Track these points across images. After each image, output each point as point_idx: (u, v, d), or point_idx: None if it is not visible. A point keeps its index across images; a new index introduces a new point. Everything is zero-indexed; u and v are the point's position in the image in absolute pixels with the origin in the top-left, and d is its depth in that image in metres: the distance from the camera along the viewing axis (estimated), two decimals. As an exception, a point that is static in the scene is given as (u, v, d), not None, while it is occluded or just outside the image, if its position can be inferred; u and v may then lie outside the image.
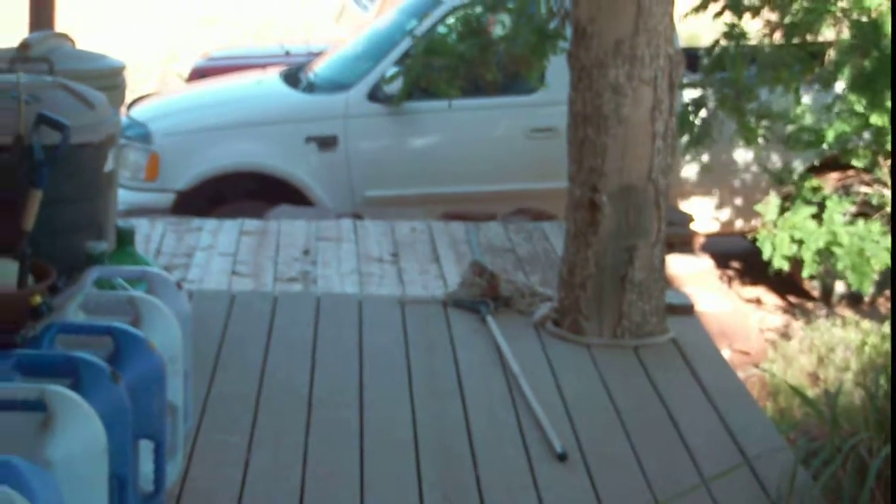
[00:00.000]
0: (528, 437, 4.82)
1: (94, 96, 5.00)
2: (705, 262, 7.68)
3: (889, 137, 7.33)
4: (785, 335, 8.55)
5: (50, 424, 3.25)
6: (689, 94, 7.88)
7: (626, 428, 4.93)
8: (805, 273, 7.22)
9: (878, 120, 7.05)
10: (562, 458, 4.64)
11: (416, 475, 4.51)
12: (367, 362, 5.48)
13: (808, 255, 7.23)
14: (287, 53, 11.80)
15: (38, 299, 4.12)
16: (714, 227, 9.53)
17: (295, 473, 4.47)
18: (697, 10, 7.43)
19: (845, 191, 8.53)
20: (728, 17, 7.43)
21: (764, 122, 7.86)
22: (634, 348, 5.71)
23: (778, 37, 7.62)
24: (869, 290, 8.04)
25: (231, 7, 18.82)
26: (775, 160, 9.09)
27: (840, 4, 7.23)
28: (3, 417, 3.28)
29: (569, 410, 5.06)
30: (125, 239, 4.84)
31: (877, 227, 7.31)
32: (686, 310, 6.20)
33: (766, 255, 7.48)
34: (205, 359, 5.25)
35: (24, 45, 5.49)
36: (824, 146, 7.59)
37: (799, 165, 8.85)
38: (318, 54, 10.51)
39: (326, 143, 8.97)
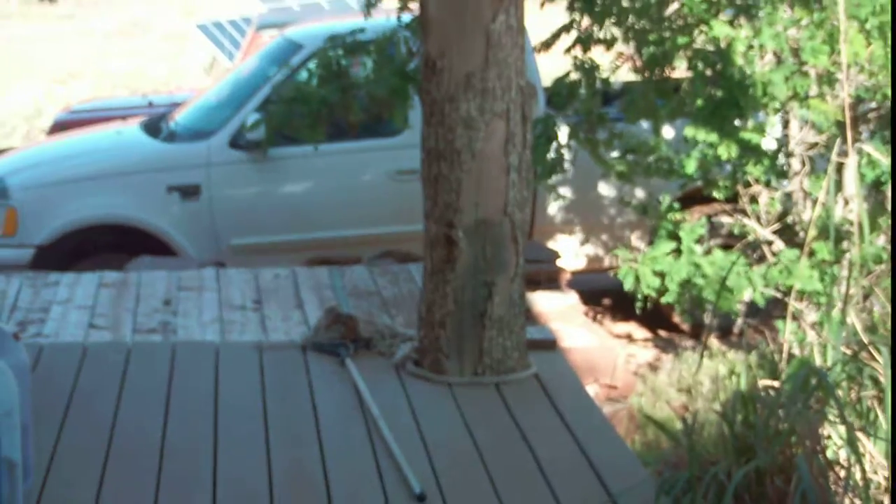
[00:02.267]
0: (386, 479, 4.70)
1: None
2: (571, 298, 7.64)
3: (747, 168, 7.34)
4: (655, 368, 8.54)
5: None
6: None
7: (487, 466, 4.83)
8: (668, 298, 7.21)
9: (725, 152, 7.07)
10: (420, 498, 4.54)
11: (270, 524, 4.38)
12: (223, 410, 5.33)
13: (671, 285, 7.21)
14: (150, 104, 11.67)
15: None
16: (581, 264, 9.53)
17: (142, 528, 4.32)
18: (548, 44, 7.41)
19: (710, 223, 8.56)
20: (578, 50, 7.42)
21: (628, 156, 7.85)
22: (496, 385, 5.62)
23: (635, 71, 7.61)
24: (738, 311, 8.04)
25: (98, 61, 18.60)
26: (640, 195, 9.10)
27: (695, 36, 7.23)
28: None
29: (429, 451, 4.95)
30: (-39, 292, 4.68)
31: (737, 256, 7.31)
32: (548, 345, 6.13)
33: (627, 287, 7.45)
34: (53, 412, 5.08)
35: None
36: (686, 177, 7.58)
37: (666, 199, 8.86)
38: (181, 104, 10.38)
39: (189, 192, 8.83)
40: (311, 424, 5.21)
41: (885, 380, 4.37)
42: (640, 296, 7.41)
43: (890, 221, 6.84)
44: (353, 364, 5.80)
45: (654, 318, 9.19)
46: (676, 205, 8.07)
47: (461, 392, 5.56)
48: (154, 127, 9.48)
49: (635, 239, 9.42)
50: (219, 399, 5.46)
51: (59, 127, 11.42)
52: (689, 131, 7.24)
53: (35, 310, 7.18)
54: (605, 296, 9.96)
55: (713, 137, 7.06)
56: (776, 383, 4.59)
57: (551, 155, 7.31)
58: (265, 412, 5.33)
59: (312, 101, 7.86)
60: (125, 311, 7.15)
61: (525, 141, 5.60)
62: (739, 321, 9.02)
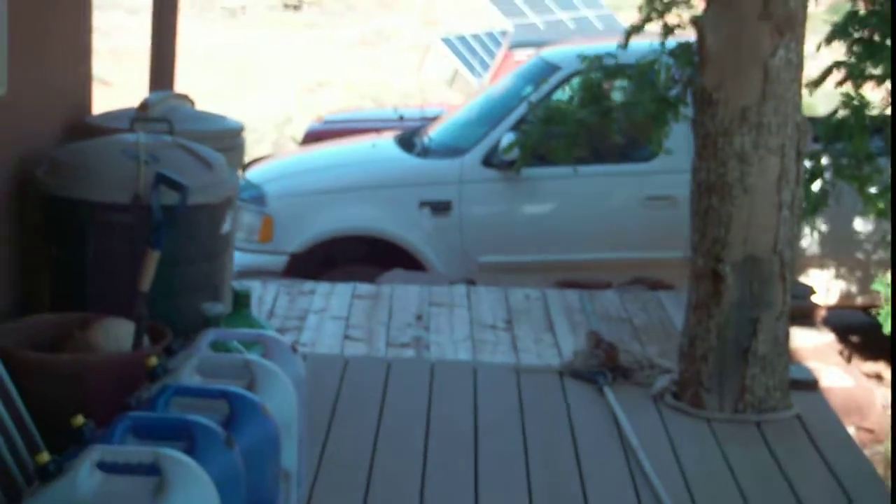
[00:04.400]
0: (647, 511, 4.67)
1: (212, 157, 4.98)
2: (827, 337, 7.48)
3: None
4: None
5: (164, 489, 3.18)
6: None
7: (750, 507, 4.76)
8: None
9: None
10: (683, 536, 4.50)
11: (532, 550, 4.38)
12: (482, 430, 5.36)
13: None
14: (401, 118, 11.81)
15: (153, 361, 4.05)
16: (833, 300, 9.32)
17: (409, 545, 4.37)
18: (818, 83, 7.26)
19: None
20: (848, 86, 7.26)
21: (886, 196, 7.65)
22: (757, 424, 5.54)
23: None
24: None
25: (344, 71, 18.93)
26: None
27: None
28: (116, 480, 3.23)
29: (689, 487, 4.90)
30: (241, 301, 4.79)
31: None
32: (810, 385, 6.02)
33: (886, 331, 7.25)
34: (318, 423, 5.16)
35: (144, 105, 5.50)
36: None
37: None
38: (432, 119, 10.48)
39: (440, 207, 8.91)
40: (570, 450, 5.21)
41: None
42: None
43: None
44: (612, 392, 5.78)
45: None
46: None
47: (721, 428, 5.49)
48: (408, 142, 9.59)
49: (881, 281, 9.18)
50: (478, 419, 5.49)
51: (312, 137, 11.65)
52: None
53: (291, 318, 7.33)
54: (853, 333, 9.73)
55: None
56: None
57: (816, 191, 7.17)
58: (524, 435, 5.34)
59: (569, 122, 7.86)
60: (379, 325, 7.25)
61: (798, 178, 5.52)
62: None
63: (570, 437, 5.34)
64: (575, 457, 5.13)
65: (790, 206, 5.50)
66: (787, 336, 5.65)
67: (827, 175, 7.40)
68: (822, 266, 9.28)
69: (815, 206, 7.17)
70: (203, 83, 13.74)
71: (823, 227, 9.03)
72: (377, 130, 10.62)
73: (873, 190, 7.71)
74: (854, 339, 9.71)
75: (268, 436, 3.80)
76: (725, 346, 5.57)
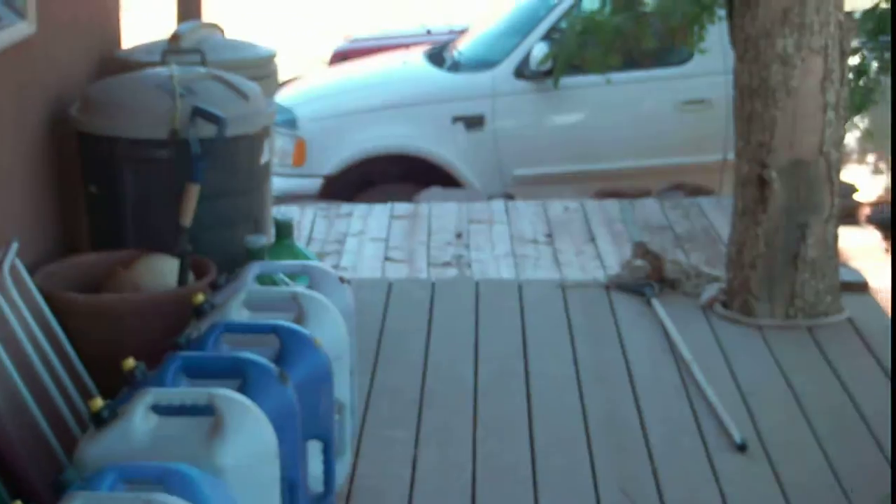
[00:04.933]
0: (704, 426, 4.61)
1: (247, 87, 4.90)
2: (872, 235, 7.40)
3: None
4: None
5: (220, 429, 3.14)
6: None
7: (807, 415, 4.70)
8: None
9: None
10: (741, 448, 4.44)
11: (590, 469, 4.34)
12: (532, 350, 5.31)
13: None
14: (428, 33, 11.66)
15: (200, 298, 4.01)
16: (873, 196, 9.22)
17: (465, 470, 4.32)
18: None
19: None
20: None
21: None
22: (809, 329, 5.48)
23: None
24: None
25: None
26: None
27: None
28: (171, 423, 3.20)
29: (745, 397, 4.85)
30: (284, 232, 4.74)
31: None
32: (860, 287, 5.94)
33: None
34: (366, 351, 5.12)
35: (175, 37, 5.41)
36: None
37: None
38: (460, 32, 10.35)
39: (473, 122, 8.82)
40: (621, 366, 5.15)
41: None
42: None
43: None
44: (660, 304, 5.71)
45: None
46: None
47: (773, 335, 5.43)
48: (438, 57, 9.47)
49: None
50: (526, 339, 5.44)
51: (340, 57, 11.52)
52: None
53: (331, 241, 7.29)
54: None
55: None
56: None
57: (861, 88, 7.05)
58: (574, 353, 5.28)
59: (606, 30, 7.74)
60: (419, 244, 7.21)
61: (843, 77, 5.42)
62: None
63: (620, 353, 5.29)
64: (627, 373, 5.08)
65: (835, 106, 5.40)
66: (835, 239, 5.57)
67: (873, 73, 7.27)
68: (860, 161, 9.19)
69: (860, 105, 7.04)
70: (227, 7, 13.62)
71: (862, 123, 8.91)
72: (405, 46, 10.50)
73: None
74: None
75: (320, 369, 3.76)
76: (774, 253, 5.50)
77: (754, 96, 5.41)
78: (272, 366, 3.48)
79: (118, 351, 3.64)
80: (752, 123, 5.45)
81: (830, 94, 5.38)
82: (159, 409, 3.21)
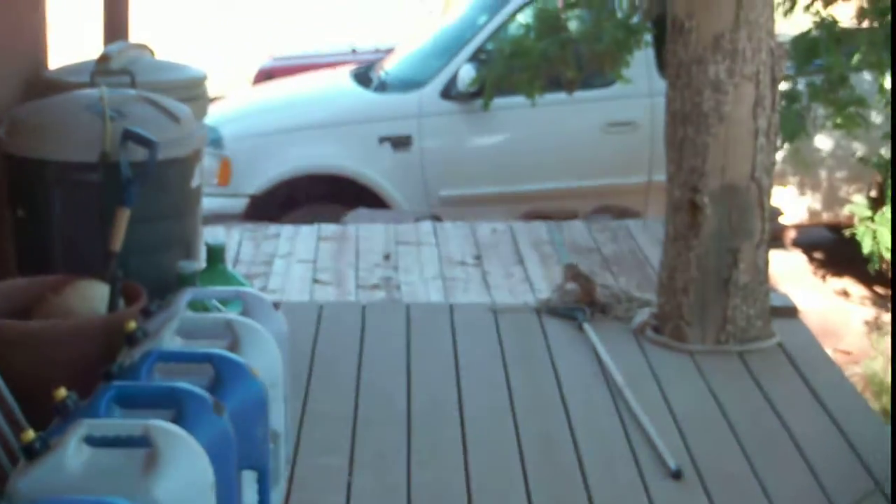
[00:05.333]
0: (638, 454, 4.60)
1: (178, 109, 4.84)
2: (797, 258, 7.45)
3: None
4: (878, 328, 8.28)
5: (155, 461, 3.08)
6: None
7: (742, 442, 4.70)
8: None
9: None
10: (676, 476, 4.43)
11: (525, 497, 4.31)
12: (465, 375, 5.28)
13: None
14: (354, 52, 11.63)
15: (132, 325, 3.94)
16: (798, 219, 9.28)
17: (401, 496, 4.28)
18: (792, 6, 7.18)
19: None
20: (818, 5, 7.18)
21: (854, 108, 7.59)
22: (740, 354, 5.49)
23: (867, 24, 7.35)
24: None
25: (289, 10, 18.63)
26: (857, 148, 8.86)
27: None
28: (105, 455, 3.13)
29: (678, 424, 4.84)
30: (216, 256, 4.67)
31: None
32: (790, 312, 5.97)
33: (866, 250, 7.21)
34: (297, 376, 5.05)
35: (104, 58, 5.33)
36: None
37: (885, 153, 8.60)
38: (386, 52, 10.33)
39: (400, 142, 8.80)
40: (555, 392, 5.13)
41: None
42: (875, 257, 7.17)
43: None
44: (592, 329, 5.71)
45: (868, 273, 8.87)
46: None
47: (704, 361, 5.43)
48: (364, 76, 9.45)
49: (853, 194, 9.16)
50: (459, 364, 5.40)
51: (265, 75, 11.47)
52: None
53: (258, 263, 7.23)
54: (817, 250, 9.70)
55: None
56: None
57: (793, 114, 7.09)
58: (507, 378, 5.26)
59: (532, 55, 7.75)
60: (347, 266, 7.16)
61: (774, 104, 5.44)
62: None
63: (553, 378, 5.27)
64: (561, 400, 5.06)
65: (766, 132, 5.42)
66: (766, 264, 5.59)
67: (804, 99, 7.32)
68: (784, 184, 9.24)
69: (793, 133, 7.09)
70: (155, 28, 13.50)
71: (785, 146, 8.97)
72: (331, 65, 10.46)
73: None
74: (818, 255, 9.69)
75: (256, 398, 3.70)
76: (706, 278, 5.51)
77: (686, 122, 5.43)
78: (207, 396, 3.42)
79: (48, 380, 3.56)
80: (684, 149, 5.46)
81: (762, 120, 5.40)
82: (93, 441, 3.14)
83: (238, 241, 7.60)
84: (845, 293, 9.22)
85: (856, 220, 7.38)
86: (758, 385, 5.22)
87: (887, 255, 7.22)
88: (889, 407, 6.61)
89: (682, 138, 5.46)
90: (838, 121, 7.52)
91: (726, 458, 4.60)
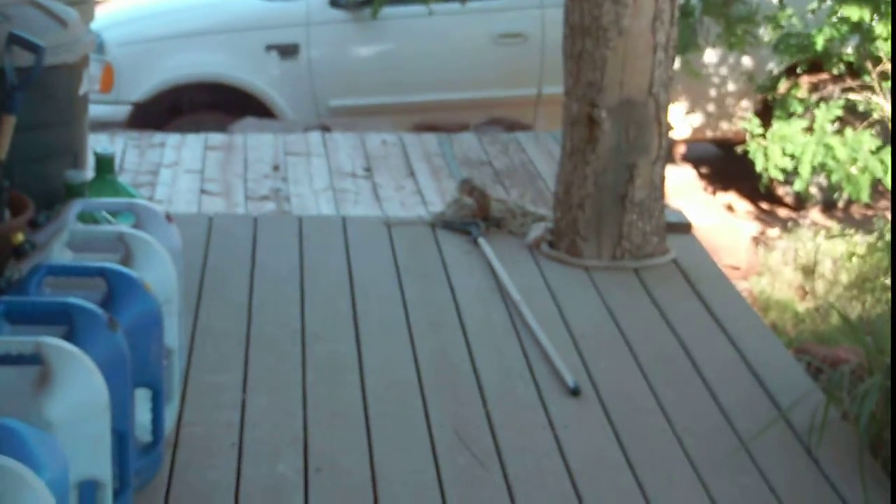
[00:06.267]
0: (536, 371, 4.56)
1: (66, 13, 4.65)
2: (688, 173, 7.45)
3: (880, 44, 7.06)
4: (764, 244, 8.35)
5: (48, 379, 2.98)
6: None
7: (638, 359, 4.68)
8: (798, 187, 7.01)
9: (884, 30, 6.77)
10: (575, 393, 4.40)
11: (423, 414, 4.24)
12: (359, 291, 5.18)
13: (804, 171, 6.99)
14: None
15: (20, 237, 3.81)
16: (686, 134, 9.30)
17: (296, 416, 4.19)
18: None
19: (821, 97, 8.31)
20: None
21: (744, 27, 7.60)
22: (635, 270, 5.47)
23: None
24: (866, 198, 7.79)
25: None
26: (746, 64, 8.88)
27: None
28: (-5, 372, 3.01)
29: (576, 341, 4.80)
30: (105, 167, 4.52)
31: (866, 136, 7.06)
32: (684, 228, 5.95)
33: (759, 168, 7.23)
34: (188, 291, 4.91)
35: (-15, -42, 5.10)
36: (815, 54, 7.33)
37: (774, 69, 8.63)
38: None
39: (288, 51, 8.65)
40: (451, 308, 5.06)
41: None
42: (767, 175, 7.20)
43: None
44: (486, 243, 5.64)
45: (755, 188, 8.92)
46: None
47: (600, 277, 5.40)
48: (252, -17, 9.25)
49: (741, 109, 9.19)
50: (353, 279, 5.30)
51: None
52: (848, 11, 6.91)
53: (143, 172, 7.08)
54: (704, 165, 9.74)
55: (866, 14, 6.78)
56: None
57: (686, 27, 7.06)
58: (402, 294, 5.18)
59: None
60: (235, 177, 7.03)
61: (672, 18, 5.38)
62: (844, 195, 8.79)
63: (449, 294, 5.20)
64: (457, 315, 4.99)
65: (665, 47, 5.37)
66: (662, 180, 5.56)
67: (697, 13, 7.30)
68: (674, 100, 9.24)
69: (684, 45, 7.06)
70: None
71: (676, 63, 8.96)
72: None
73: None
74: (704, 170, 9.74)
75: (150, 314, 3.60)
76: (602, 193, 5.46)
77: (585, 35, 5.35)
78: (101, 311, 3.31)
79: (-67, 294, 3.43)
80: (582, 62, 5.39)
81: (661, 35, 5.34)
82: (-20, 359, 3.02)
83: (122, 150, 7.43)
84: (730, 208, 9.28)
85: (747, 137, 7.38)
86: (654, 302, 5.20)
87: (775, 174, 7.25)
88: (776, 321, 6.67)
89: (580, 51, 5.38)
90: (732, 40, 7.53)
91: (624, 375, 4.58)
